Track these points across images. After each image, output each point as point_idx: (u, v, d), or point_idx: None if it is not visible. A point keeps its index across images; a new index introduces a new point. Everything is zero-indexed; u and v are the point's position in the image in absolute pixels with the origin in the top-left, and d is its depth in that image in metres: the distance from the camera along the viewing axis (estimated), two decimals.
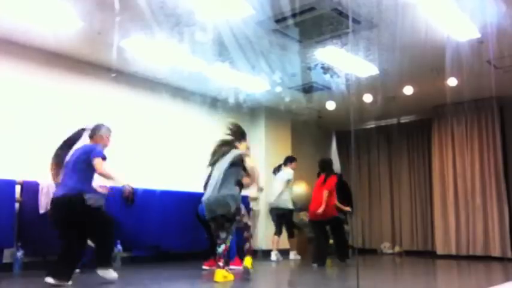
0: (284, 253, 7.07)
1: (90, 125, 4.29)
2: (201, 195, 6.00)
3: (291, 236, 7.20)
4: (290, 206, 7.12)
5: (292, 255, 7.22)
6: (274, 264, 6.51)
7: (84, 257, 4.07)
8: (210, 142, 7.05)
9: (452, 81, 6.30)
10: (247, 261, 4.42)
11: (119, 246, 5.66)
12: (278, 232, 7.07)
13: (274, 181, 7.15)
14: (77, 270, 4.47)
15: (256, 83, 6.60)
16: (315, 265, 5.94)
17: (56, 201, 3.89)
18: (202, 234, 6.18)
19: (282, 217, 7.09)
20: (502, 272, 5.76)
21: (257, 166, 4.35)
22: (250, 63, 5.79)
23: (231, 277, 4.20)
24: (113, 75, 6.00)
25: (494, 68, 5.97)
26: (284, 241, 7.18)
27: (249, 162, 4.38)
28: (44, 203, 4.99)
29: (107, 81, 6.06)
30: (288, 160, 7.25)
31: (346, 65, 5.89)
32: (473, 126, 7.81)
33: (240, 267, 5.06)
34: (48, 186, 5.06)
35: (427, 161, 8.75)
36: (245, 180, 4.55)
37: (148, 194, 6.07)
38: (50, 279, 3.66)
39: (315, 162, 9.32)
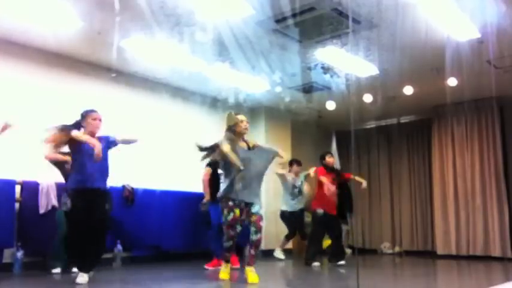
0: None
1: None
2: (201, 195, 6.03)
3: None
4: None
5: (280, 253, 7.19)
6: (277, 263, 6.52)
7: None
8: (210, 142, 7.07)
9: (452, 81, 6.30)
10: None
11: (119, 246, 5.66)
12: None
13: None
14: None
15: (256, 83, 6.60)
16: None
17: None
18: (202, 234, 6.21)
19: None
20: (502, 272, 5.76)
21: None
22: (250, 63, 5.79)
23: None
24: (113, 75, 6.00)
25: (494, 68, 5.97)
26: (271, 241, 7.20)
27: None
28: (44, 203, 4.99)
29: (107, 81, 6.06)
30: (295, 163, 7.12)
31: (346, 65, 5.89)
32: (473, 126, 7.81)
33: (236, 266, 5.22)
34: (48, 186, 5.06)
35: (427, 161, 8.75)
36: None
37: (148, 194, 6.07)
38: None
39: (315, 162, 9.38)
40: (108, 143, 4.16)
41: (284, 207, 6.93)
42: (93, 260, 4.05)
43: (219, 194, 4.24)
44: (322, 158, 6.29)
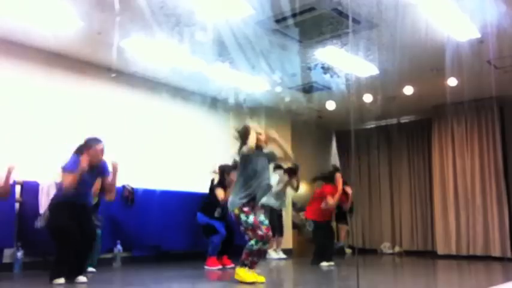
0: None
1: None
2: (201, 195, 6.04)
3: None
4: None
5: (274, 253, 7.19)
6: (275, 263, 6.52)
7: None
8: (210, 142, 7.09)
9: (452, 81, 6.30)
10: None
11: (119, 246, 5.66)
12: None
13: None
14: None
15: (256, 83, 6.60)
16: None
17: None
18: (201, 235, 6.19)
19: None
20: (502, 272, 5.76)
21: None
22: (250, 63, 5.79)
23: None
24: (113, 75, 6.00)
25: (494, 68, 5.97)
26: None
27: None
28: (44, 203, 4.98)
29: (107, 81, 6.06)
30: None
31: (346, 65, 5.89)
32: (473, 126, 7.81)
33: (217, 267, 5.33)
34: (48, 186, 5.05)
35: (427, 161, 8.75)
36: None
37: (148, 194, 6.07)
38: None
39: (315, 162, 9.40)
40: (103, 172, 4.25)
41: (268, 202, 6.90)
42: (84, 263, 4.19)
43: (237, 203, 4.09)
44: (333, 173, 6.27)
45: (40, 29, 4.92)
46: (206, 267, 5.40)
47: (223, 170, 5.64)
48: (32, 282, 4.35)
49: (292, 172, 7.02)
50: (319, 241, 6.20)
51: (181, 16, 4.50)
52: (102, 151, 4.13)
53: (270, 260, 6.82)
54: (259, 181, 4.12)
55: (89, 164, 4.00)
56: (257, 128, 4.22)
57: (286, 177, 7.05)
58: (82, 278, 4.01)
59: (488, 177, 7.52)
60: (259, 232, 4.00)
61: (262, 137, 4.21)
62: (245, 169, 4.12)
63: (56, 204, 4.07)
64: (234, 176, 5.38)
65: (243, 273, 4.00)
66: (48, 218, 4.14)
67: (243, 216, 4.03)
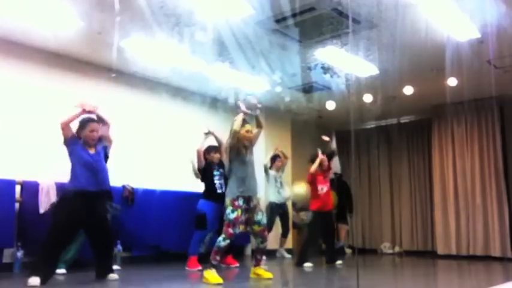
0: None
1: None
2: (200, 194, 6.03)
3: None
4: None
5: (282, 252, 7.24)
6: (276, 263, 6.51)
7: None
8: (210, 142, 7.06)
9: (452, 81, 6.30)
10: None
11: (119, 246, 5.66)
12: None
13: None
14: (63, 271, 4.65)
15: (256, 83, 6.60)
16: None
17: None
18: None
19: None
20: (502, 272, 5.76)
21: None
22: (250, 63, 5.79)
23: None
24: (113, 75, 6.00)
25: (494, 68, 5.97)
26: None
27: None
28: (44, 203, 4.99)
29: (107, 81, 6.06)
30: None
31: (346, 65, 5.89)
32: (473, 126, 7.81)
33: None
34: (48, 186, 5.06)
35: (427, 161, 8.75)
36: None
37: (148, 194, 6.07)
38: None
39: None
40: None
41: (272, 199, 6.98)
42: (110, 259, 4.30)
43: (233, 192, 4.18)
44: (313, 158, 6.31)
45: (40, 29, 4.92)
46: (187, 268, 5.26)
47: (206, 151, 5.74)
48: None
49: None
50: (306, 237, 6.18)
51: (181, 16, 4.50)
52: (93, 131, 4.20)
53: (271, 260, 6.82)
54: (252, 180, 4.26)
55: (87, 144, 4.11)
56: (246, 126, 4.33)
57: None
58: (113, 276, 4.10)
59: (488, 177, 7.52)
60: (230, 230, 4.04)
61: (250, 135, 4.33)
62: (239, 168, 4.22)
63: (64, 195, 4.11)
64: (214, 155, 5.62)
65: (209, 275, 4.01)
66: (53, 208, 4.20)
67: (229, 209, 4.09)
